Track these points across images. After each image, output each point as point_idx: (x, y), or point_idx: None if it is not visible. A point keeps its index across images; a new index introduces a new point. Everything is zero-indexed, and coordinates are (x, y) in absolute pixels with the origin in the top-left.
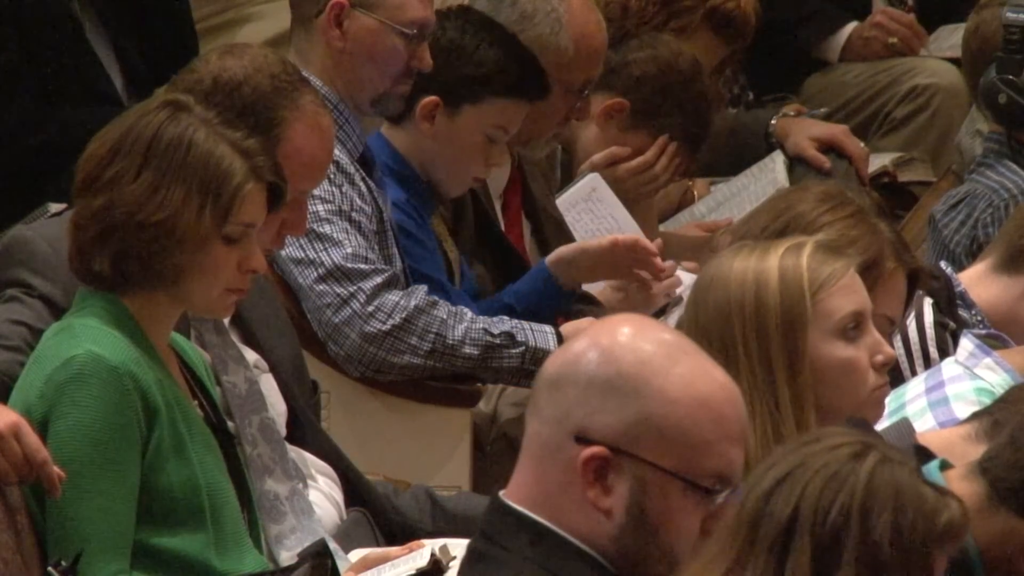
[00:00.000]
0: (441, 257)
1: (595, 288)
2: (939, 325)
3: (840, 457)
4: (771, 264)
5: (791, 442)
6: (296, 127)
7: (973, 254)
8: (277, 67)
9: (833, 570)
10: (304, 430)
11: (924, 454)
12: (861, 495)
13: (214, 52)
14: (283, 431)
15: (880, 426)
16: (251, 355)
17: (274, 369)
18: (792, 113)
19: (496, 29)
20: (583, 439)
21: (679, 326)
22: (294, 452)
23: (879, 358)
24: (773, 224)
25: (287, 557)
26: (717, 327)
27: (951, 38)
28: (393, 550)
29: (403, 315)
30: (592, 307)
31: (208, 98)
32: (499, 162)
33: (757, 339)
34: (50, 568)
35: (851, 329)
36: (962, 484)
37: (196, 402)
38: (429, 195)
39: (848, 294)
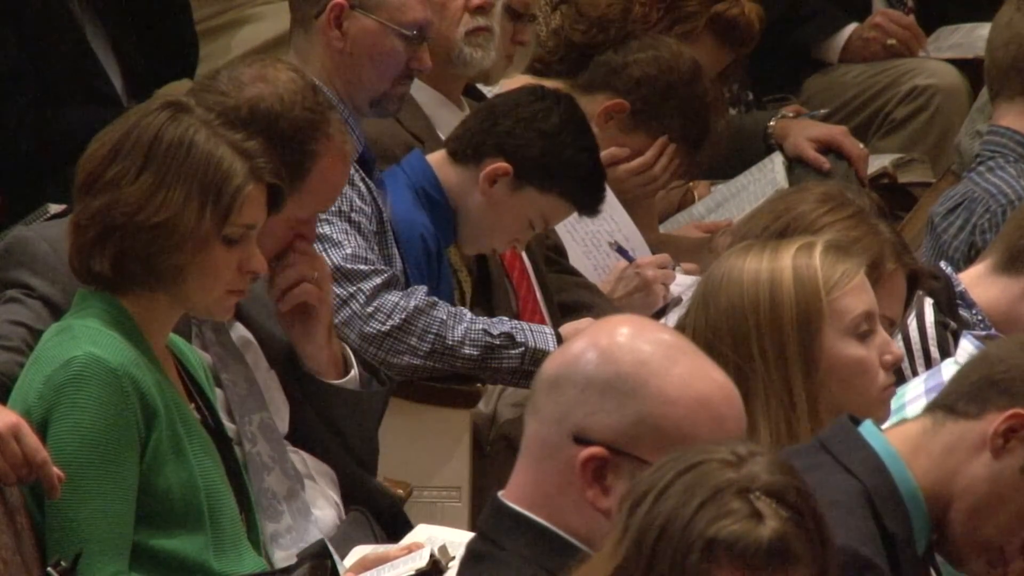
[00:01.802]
0: (453, 290)
1: (599, 281)
2: (940, 325)
3: (686, 453)
4: (784, 263)
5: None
6: (326, 159)
7: (971, 259)
8: (308, 96)
9: (620, 541)
10: (304, 427)
11: (855, 419)
12: (664, 483)
13: (243, 72)
14: (285, 428)
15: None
16: (251, 343)
17: (271, 359)
18: (791, 114)
19: (589, 136)
20: (582, 439)
21: (680, 326)
22: (294, 453)
23: (888, 357)
24: (773, 225)
25: (282, 556)
26: (729, 326)
27: (951, 39)
28: (392, 550)
29: (402, 316)
30: (596, 298)
31: (246, 127)
32: (520, 247)
33: (772, 338)
34: (49, 569)
35: (863, 329)
36: (906, 427)
37: (193, 405)
38: (454, 225)
39: (859, 294)
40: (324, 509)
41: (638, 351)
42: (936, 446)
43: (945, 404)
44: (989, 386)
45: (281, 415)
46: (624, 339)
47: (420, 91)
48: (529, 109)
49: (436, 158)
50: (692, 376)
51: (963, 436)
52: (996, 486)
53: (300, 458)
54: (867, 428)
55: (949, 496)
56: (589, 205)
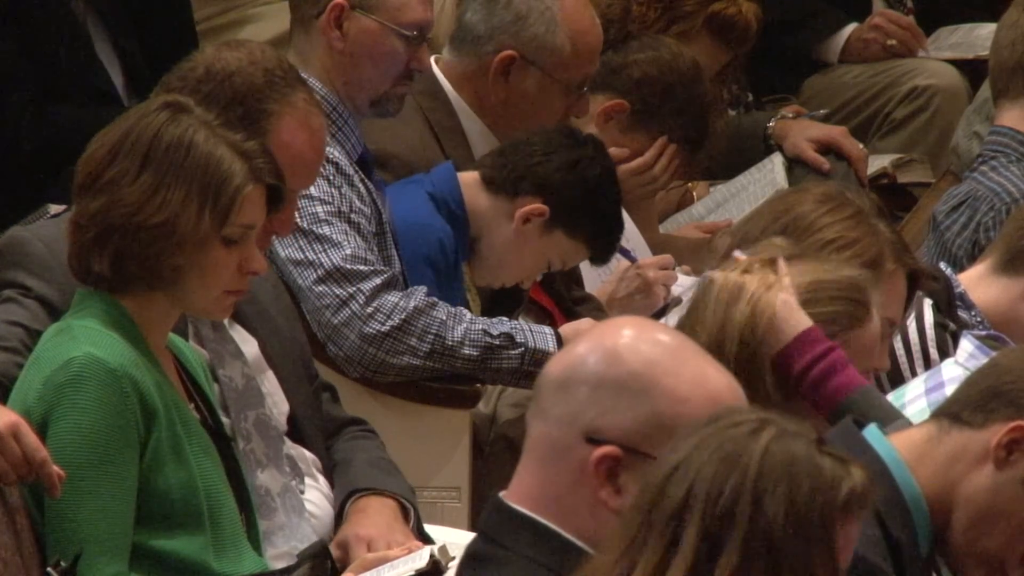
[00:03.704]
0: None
1: (600, 281)
2: (939, 326)
3: (735, 436)
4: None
5: (692, 425)
6: (285, 121)
7: (974, 258)
8: (272, 62)
9: (717, 554)
10: (304, 430)
11: (859, 423)
12: (754, 473)
13: (212, 45)
14: (283, 427)
15: None
16: (251, 350)
17: (273, 363)
18: (790, 115)
19: (619, 189)
20: (595, 439)
21: (679, 326)
22: (294, 450)
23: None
24: (772, 226)
25: (273, 554)
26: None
27: (950, 39)
28: (392, 550)
29: (402, 316)
30: (593, 308)
31: (199, 85)
32: (528, 285)
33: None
34: (49, 569)
35: None
36: (910, 433)
37: (192, 404)
38: (467, 244)
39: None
40: (324, 507)
41: (645, 351)
42: (940, 454)
43: (951, 412)
44: (995, 397)
45: (280, 409)
46: (630, 339)
47: (472, 123)
48: (571, 154)
49: (468, 178)
50: (702, 374)
51: (967, 446)
52: (997, 498)
53: (301, 455)
54: (871, 432)
55: (951, 505)
56: (604, 256)
